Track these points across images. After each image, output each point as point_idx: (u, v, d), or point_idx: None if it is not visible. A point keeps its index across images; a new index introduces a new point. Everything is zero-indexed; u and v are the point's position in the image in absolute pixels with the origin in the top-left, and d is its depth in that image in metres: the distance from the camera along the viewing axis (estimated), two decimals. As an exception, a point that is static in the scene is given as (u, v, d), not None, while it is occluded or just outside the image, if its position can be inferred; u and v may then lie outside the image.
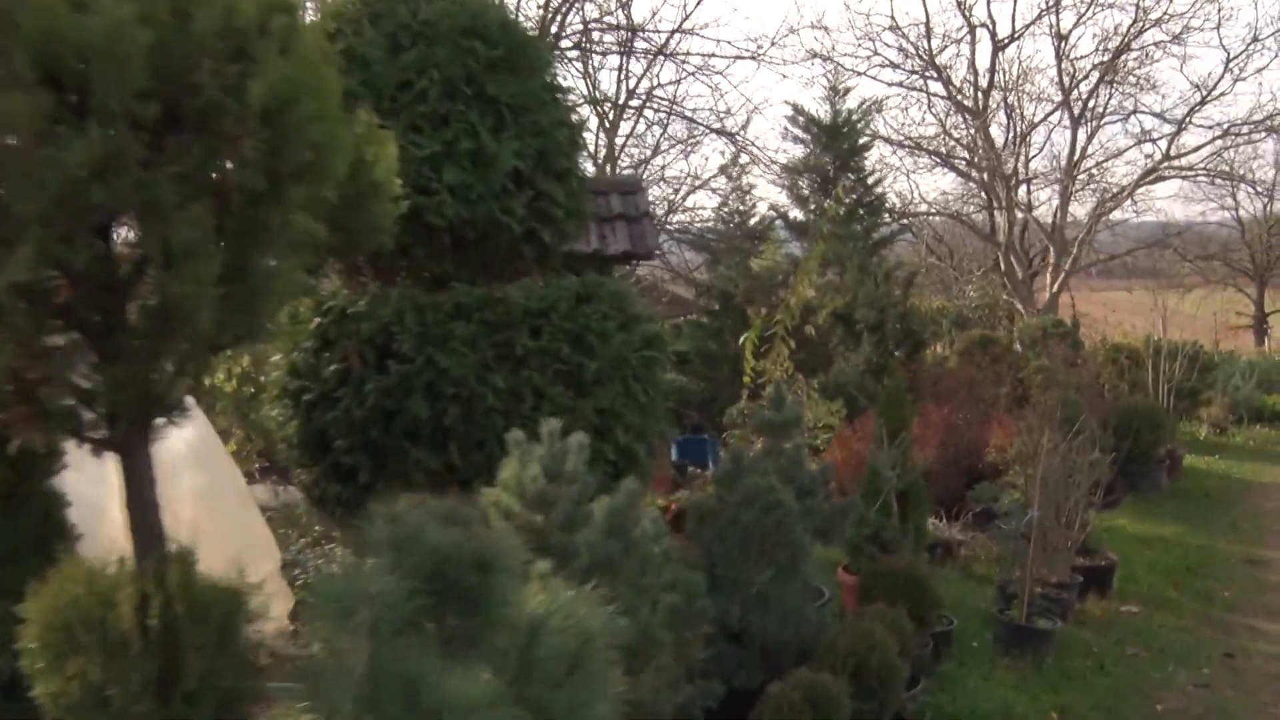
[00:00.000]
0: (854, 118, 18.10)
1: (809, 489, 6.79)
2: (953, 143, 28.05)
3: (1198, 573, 9.98)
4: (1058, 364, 14.66)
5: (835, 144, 17.84)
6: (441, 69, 6.15)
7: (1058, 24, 29.00)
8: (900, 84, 29.19)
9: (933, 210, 28.30)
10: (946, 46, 28.27)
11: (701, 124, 19.90)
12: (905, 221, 24.68)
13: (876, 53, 29.96)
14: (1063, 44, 28.39)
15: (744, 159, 22.48)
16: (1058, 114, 28.93)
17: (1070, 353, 16.92)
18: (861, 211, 16.61)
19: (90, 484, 4.55)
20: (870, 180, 18.22)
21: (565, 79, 16.61)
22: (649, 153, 22.84)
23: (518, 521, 4.65)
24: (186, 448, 5.57)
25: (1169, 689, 7.01)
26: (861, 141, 18.13)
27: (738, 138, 19.63)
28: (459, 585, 2.29)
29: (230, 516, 5.93)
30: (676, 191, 23.31)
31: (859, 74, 29.29)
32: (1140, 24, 26.70)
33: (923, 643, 6.57)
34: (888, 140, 28.68)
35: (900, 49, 28.18)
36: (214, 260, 3.11)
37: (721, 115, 24.56)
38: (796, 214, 18.81)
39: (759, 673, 5.68)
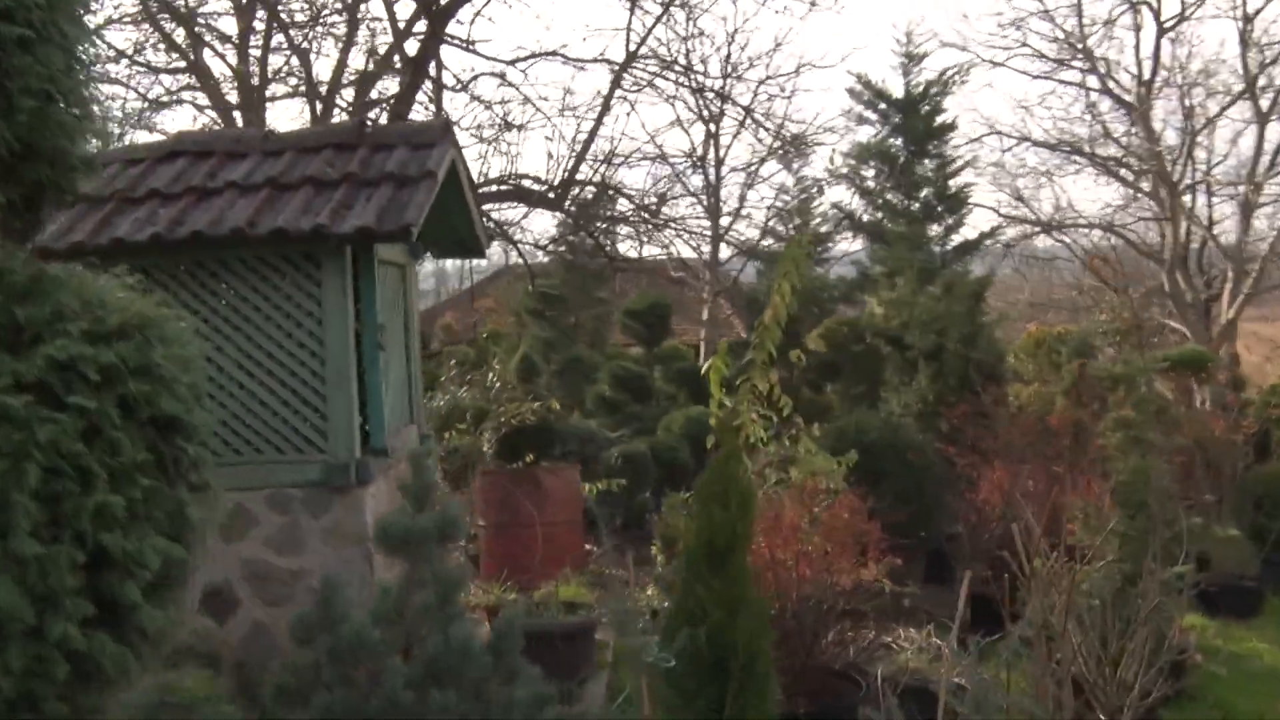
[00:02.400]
0: (932, 90, 14.37)
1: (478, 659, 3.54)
2: (1108, 142, 23.63)
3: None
4: (1177, 413, 10.76)
5: (909, 122, 14.15)
6: None
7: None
8: (1047, 75, 24.72)
9: (1082, 221, 23.85)
10: (1098, 29, 23.59)
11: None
12: (1020, 232, 20.47)
13: (1025, 43, 25.60)
14: (1248, 25, 23.61)
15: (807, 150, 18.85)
16: (1241, 109, 24.09)
17: (1221, 396, 12.89)
18: (940, 208, 12.94)
19: None
20: (953, 168, 14.41)
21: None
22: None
23: None
24: None
25: None
26: (941, 120, 14.39)
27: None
28: None
29: None
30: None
31: (997, 65, 25.02)
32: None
33: None
34: (1033, 141, 24.52)
35: (1050, 36, 24.03)
36: None
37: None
38: (863, 211, 15.17)
39: None
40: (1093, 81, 23.99)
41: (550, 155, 11.15)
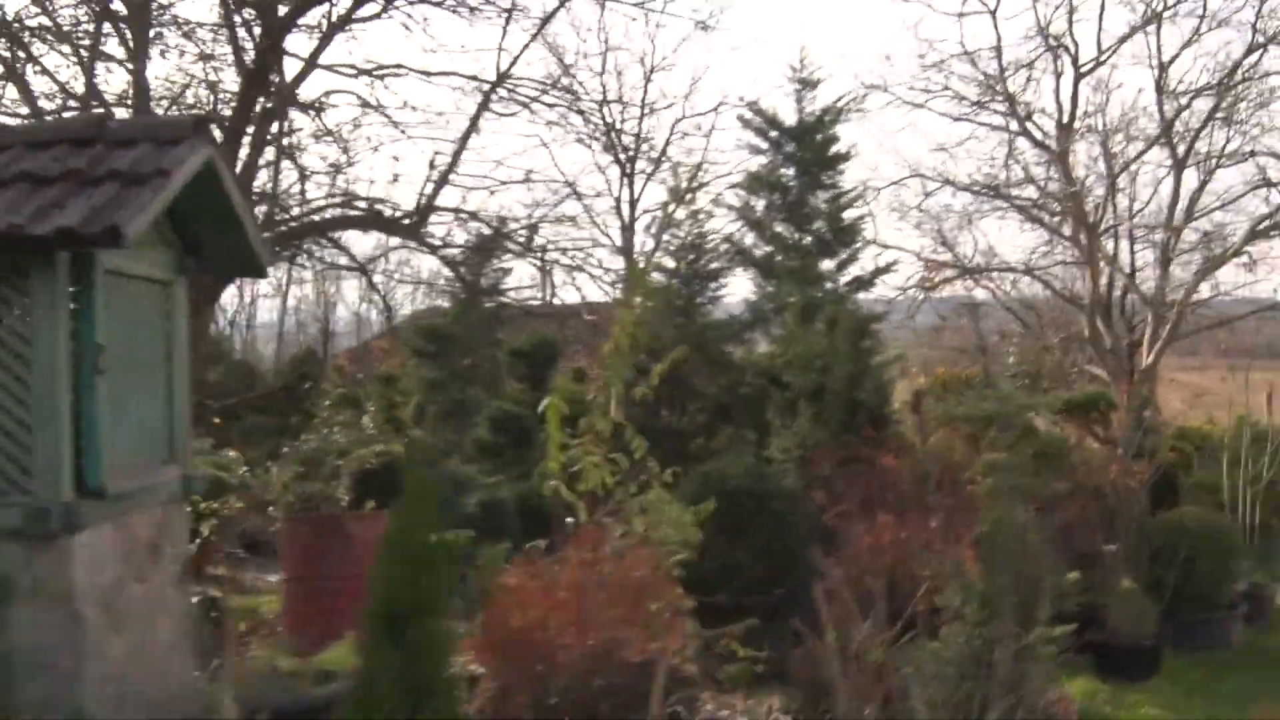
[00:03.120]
0: (826, 117, 13.74)
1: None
2: (1028, 185, 23.29)
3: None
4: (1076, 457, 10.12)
5: (802, 151, 13.50)
6: None
7: (1158, 47, 24.02)
8: (965, 118, 24.35)
9: (995, 264, 23.44)
10: (1017, 71, 23.26)
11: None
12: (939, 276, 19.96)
13: (946, 87, 25.22)
14: (1163, 74, 23.51)
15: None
16: (1160, 155, 23.89)
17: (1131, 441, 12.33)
18: (833, 242, 12.28)
19: None
20: (846, 200, 13.75)
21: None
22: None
23: None
24: None
25: None
26: (835, 150, 13.78)
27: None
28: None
29: None
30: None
31: (917, 106, 24.62)
32: (1257, 47, 21.66)
33: None
34: (955, 185, 24.12)
35: (971, 79, 23.71)
36: None
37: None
38: (756, 245, 14.45)
39: None
40: (1012, 125, 23.72)
41: (396, 177, 10.53)
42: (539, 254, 11.25)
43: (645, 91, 23.09)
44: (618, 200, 24.55)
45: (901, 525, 8.21)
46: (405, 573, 3.26)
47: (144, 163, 5.09)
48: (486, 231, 12.22)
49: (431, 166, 10.02)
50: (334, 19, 11.28)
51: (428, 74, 11.33)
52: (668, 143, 23.05)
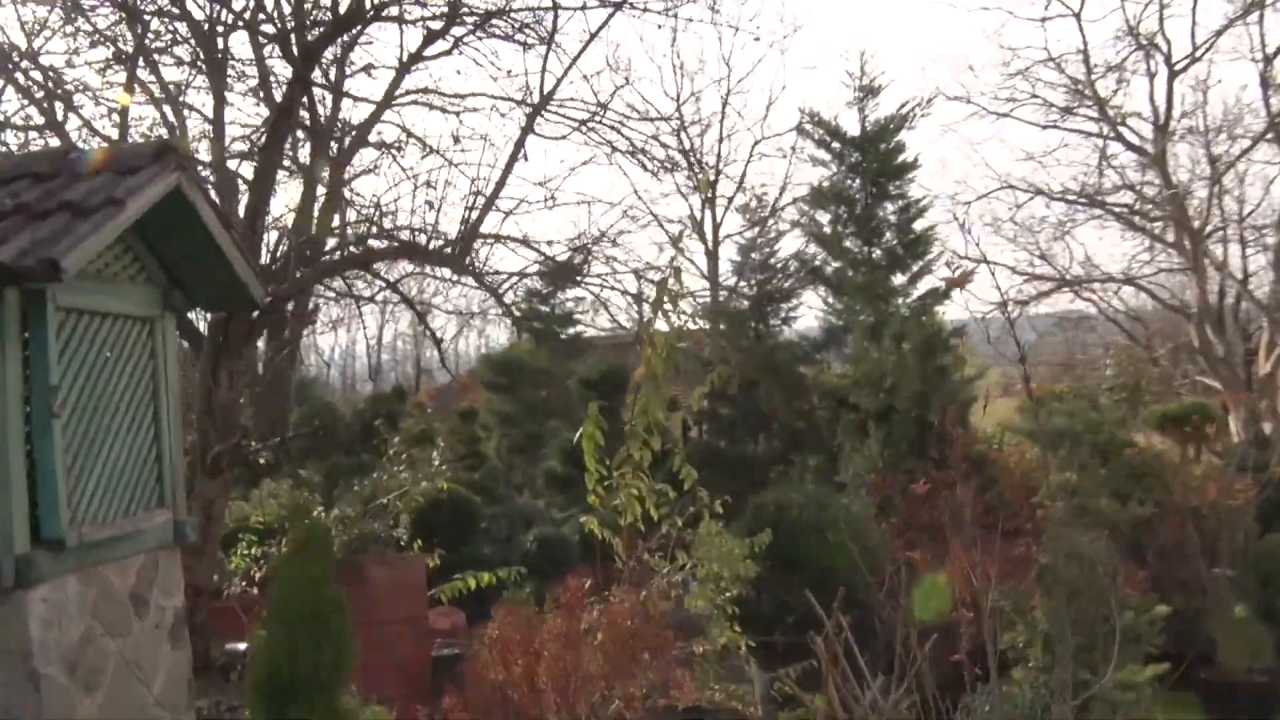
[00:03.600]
0: (890, 126, 13.00)
1: None
2: (1124, 191, 22.21)
3: None
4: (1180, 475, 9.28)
5: (866, 162, 12.80)
6: None
7: (1261, 38, 22.69)
8: (1054, 125, 23.33)
9: (1101, 276, 22.31)
10: (1106, 73, 22.17)
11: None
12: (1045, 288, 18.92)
13: (1033, 94, 24.21)
14: (1268, 66, 22.23)
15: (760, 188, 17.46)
16: (1269, 152, 22.58)
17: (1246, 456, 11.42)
18: (901, 251, 11.55)
19: None
20: (915, 209, 12.97)
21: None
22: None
23: None
24: None
25: None
26: (902, 159, 13.03)
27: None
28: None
29: None
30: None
31: (1002, 115, 23.66)
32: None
33: None
34: (1046, 194, 23.13)
35: (1058, 85, 22.74)
36: None
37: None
38: (826, 262, 13.74)
39: None
40: (1105, 130, 22.67)
41: (431, 205, 10.14)
42: (602, 281, 10.78)
43: (723, 114, 22.60)
44: (699, 225, 24.10)
45: (968, 556, 7.53)
46: (289, 638, 2.81)
47: (98, 193, 4.80)
48: (558, 256, 11.93)
49: (471, 192, 9.68)
50: (404, 59, 11.23)
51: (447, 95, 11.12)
52: (747, 164, 22.48)
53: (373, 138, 11.98)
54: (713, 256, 24.67)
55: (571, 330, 17.60)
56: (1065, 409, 9.53)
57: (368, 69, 12.08)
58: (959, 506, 8.67)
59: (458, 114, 11.55)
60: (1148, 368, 17.67)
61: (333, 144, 10.89)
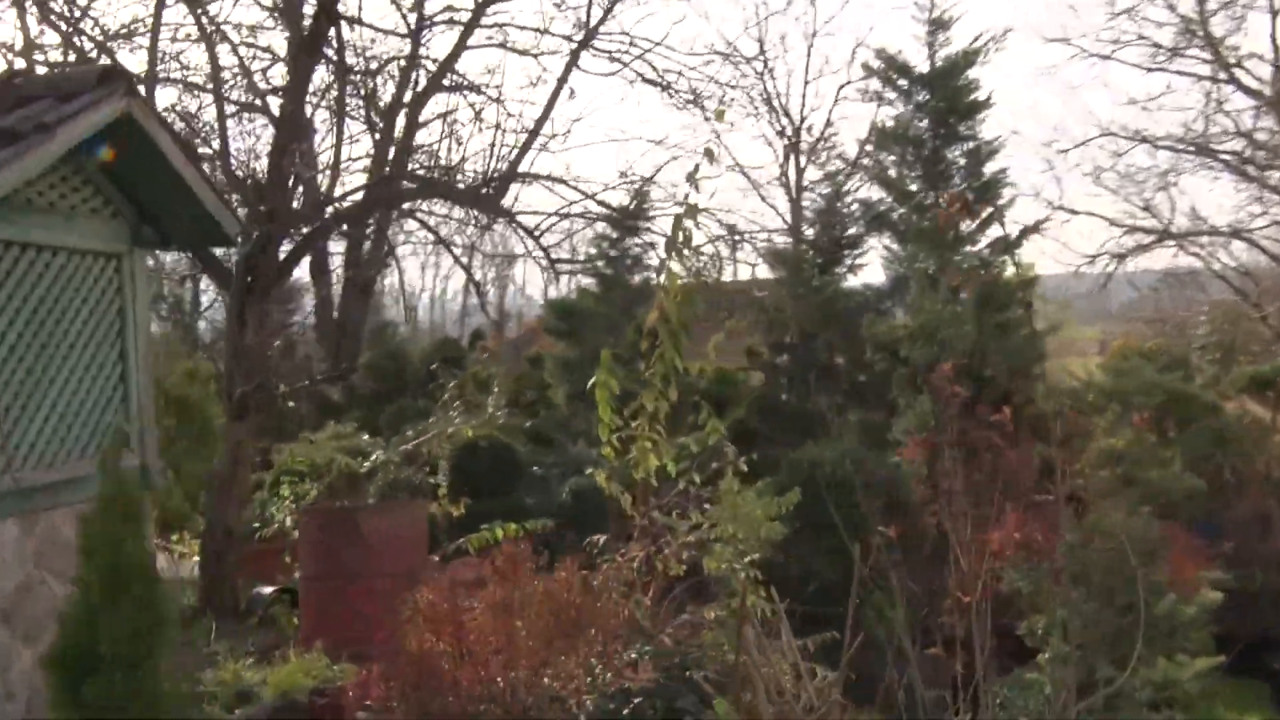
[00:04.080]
0: (961, 61, 12.07)
1: None
2: (1234, 138, 20.78)
3: None
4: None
5: (935, 100, 11.91)
6: None
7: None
8: (1160, 68, 21.87)
9: (1206, 229, 21.00)
10: (1220, 8, 20.61)
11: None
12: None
13: (1141, 35, 22.70)
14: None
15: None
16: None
17: None
18: (970, 195, 10.79)
19: None
20: (988, 151, 12.07)
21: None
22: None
23: None
24: None
25: None
26: (974, 97, 12.10)
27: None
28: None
29: None
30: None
31: (1105, 58, 22.24)
32: None
33: None
34: (1150, 142, 21.79)
35: (1166, 23, 21.31)
36: None
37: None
38: (892, 208, 12.97)
39: None
40: (1217, 73, 21.19)
41: (460, 142, 9.85)
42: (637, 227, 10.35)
43: (809, 59, 21.74)
44: (784, 173, 23.39)
45: (1013, 525, 6.94)
46: (87, 606, 2.47)
47: (31, 119, 4.51)
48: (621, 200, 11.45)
49: (497, 129, 9.28)
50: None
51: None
52: (832, 110, 21.66)
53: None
54: (796, 205, 23.97)
55: (638, 277, 17.15)
56: (1128, 367, 8.75)
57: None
58: (1010, 472, 8.06)
59: (503, 45, 11.12)
60: (1246, 325, 16.49)
61: (367, 80, 10.56)
